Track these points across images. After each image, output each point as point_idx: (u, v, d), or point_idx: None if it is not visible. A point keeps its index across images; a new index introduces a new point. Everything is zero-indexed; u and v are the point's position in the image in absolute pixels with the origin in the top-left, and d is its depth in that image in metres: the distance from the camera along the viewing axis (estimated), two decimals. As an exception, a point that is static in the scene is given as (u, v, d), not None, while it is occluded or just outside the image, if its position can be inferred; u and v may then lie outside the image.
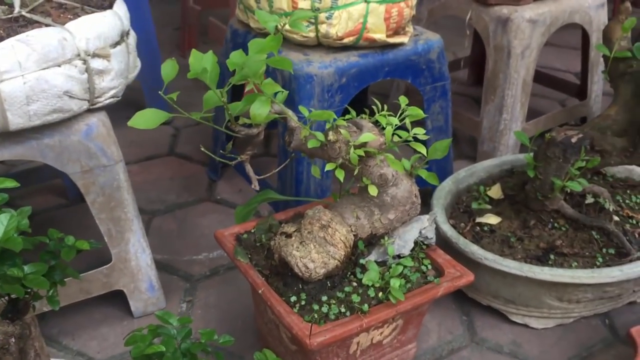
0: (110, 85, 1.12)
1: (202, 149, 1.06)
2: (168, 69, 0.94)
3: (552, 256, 1.25)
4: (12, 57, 0.98)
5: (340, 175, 0.99)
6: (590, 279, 1.19)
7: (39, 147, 1.10)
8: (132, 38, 1.23)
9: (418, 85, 1.50)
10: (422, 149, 1.02)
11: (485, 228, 1.34)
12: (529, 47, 1.72)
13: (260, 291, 1.02)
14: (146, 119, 0.94)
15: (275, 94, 0.99)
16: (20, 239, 0.84)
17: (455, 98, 2.24)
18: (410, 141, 1.02)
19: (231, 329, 1.29)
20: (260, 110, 0.93)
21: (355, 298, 0.99)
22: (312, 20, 1.32)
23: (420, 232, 1.11)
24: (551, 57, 2.65)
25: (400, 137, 1.04)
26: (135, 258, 1.26)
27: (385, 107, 1.08)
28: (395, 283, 1.00)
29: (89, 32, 1.08)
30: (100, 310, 1.33)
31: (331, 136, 1.00)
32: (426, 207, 1.38)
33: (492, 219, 1.35)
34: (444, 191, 1.42)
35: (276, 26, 0.91)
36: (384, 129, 1.04)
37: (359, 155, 1.00)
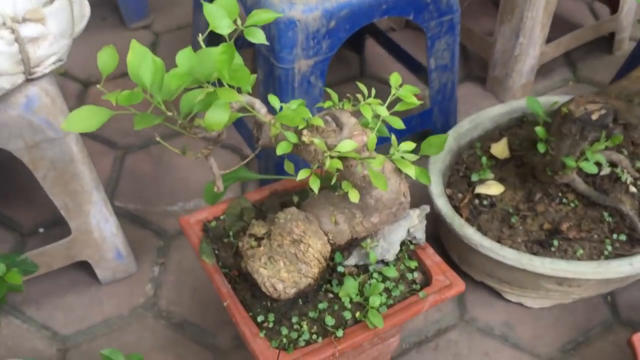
0: (50, 52, 0.94)
1: (158, 138, 0.90)
2: (105, 59, 0.77)
3: (555, 242, 1.13)
4: None
5: (315, 185, 0.85)
6: (595, 274, 1.08)
7: (-28, 126, 0.95)
8: (78, -19, 1.02)
9: (421, 21, 1.29)
10: (410, 169, 0.84)
11: (485, 202, 1.20)
12: (557, -37, 1.47)
13: (225, 304, 0.92)
14: (84, 119, 0.78)
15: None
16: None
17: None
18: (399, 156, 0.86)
19: (205, 300, 1.22)
20: (217, 118, 0.77)
21: (329, 320, 0.89)
22: (297, -49, 1.10)
23: (408, 231, 0.98)
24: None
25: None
26: (98, 229, 1.15)
27: (373, 93, 0.91)
28: (374, 301, 0.90)
29: (15, -9, 0.88)
30: (67, 276, 1.24)
31: (305, 138, 0.84)
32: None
33: (494, 189, 1.21)
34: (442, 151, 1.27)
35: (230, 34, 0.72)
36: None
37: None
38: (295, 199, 1.06)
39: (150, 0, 1.89)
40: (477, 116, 1.35)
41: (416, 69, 1.59)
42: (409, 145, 0.84)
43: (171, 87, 0.71)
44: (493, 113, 1.36)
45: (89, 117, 0.78)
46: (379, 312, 0.90)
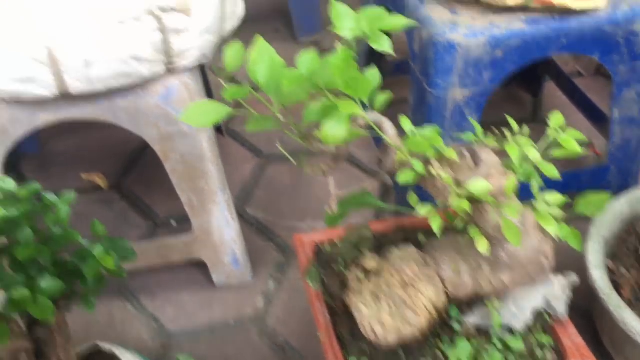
0: (192, 45, 0.93)
1: (278, 145, 0.84)
2: (231, 54, 0.73)
3: None
4: (68, 14, 0.83)
5: (436, 224, 0.73)
6: None
7: (111, 108, 0.96)
8: (236, -22, 1.01)
9: (609, 64, 1.11)
10: (551, 226, 0.70)
11: (655, 282, 1.00)
12: None
13: (319, 333, 0.84)
14: (202, 114, 0.74)
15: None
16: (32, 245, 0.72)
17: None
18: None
19: (312, 327, 1.13)
20: (336, 131, 0.69)
21: (428, 384, 0.77)
22: (472, -32, 1.00)
23: (546, 301, 0.83)
24: None
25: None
26: (219, 231, 1.13)
27: (525, 131, 0.77)
28: (486, 374, 0.76)
29: (168, -20, 0.88)
30: (187, 272, 1.24)
31: (434, 170, 0.73)
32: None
33: (669, 269, 1.00)
34: (611, 215, 1.08)
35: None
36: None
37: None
38: (422, 238, 0.94)
39: (325, 16, 1.88)
40: (664, 181, 1.14)
41: (599, 120, 1.40)
42: (557, 198, 0.69)
43: (284, 89, 0.64)
44: (684, 180, 1.14)
45: (207, 113, 0.74)
46: (489, 388, 0.76)
